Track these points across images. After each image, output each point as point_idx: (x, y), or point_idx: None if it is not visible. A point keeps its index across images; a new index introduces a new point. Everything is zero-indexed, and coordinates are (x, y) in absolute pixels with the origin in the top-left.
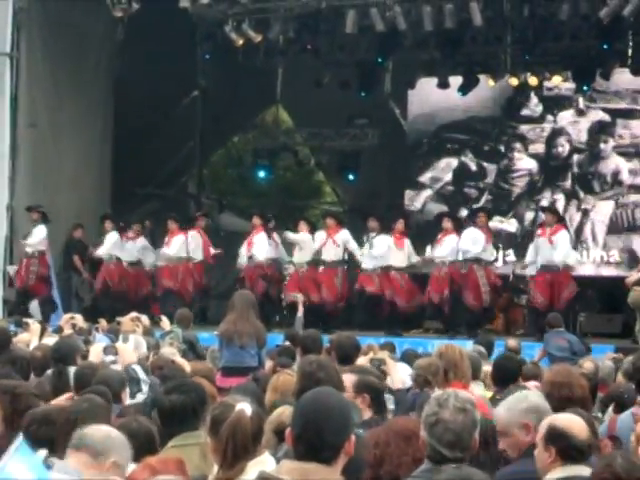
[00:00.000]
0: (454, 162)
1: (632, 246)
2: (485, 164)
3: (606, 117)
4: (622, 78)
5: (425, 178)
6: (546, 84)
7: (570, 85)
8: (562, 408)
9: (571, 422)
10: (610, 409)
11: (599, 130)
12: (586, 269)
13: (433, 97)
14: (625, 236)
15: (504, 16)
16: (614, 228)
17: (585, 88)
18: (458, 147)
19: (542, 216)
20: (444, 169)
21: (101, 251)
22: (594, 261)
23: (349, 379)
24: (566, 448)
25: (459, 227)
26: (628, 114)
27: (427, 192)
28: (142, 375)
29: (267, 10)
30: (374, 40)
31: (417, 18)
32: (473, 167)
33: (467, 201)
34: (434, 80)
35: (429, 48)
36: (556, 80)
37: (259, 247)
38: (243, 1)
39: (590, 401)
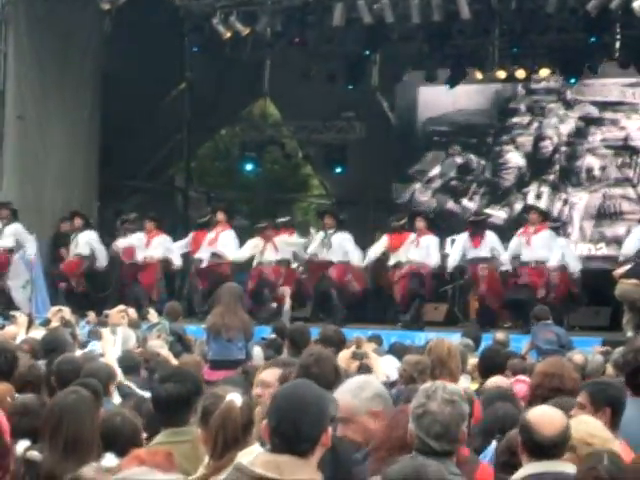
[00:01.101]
0: (442, 155)
1: (608, 233)
2: (482, 161)
3: (581, 123)
4: (595, 90)
5: (413, 171)
6: (533, 86)
7: (555, 85)
8: (552, 399)
9: (542, 417)
10: None
11: (576, 134)
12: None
13: (422, 91)
14: (606, 224)
15: (492, 9)
16: (595, 216)
17: (572, 81)
18: (446, 140)
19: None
20: (431, 162)
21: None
22: (580, 254)
23: (273, 373)
24: (528, 442)
25: (433, 227)
26: (600, 121)
27: (416, 185)
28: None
29: (254, 3)
30: (361, 33)
31: (405, 11)
32: (474, 164)
33: (456, 194)
34: (422, 73)
35: (417, 41)
36: (544, 73)
37: (227, 245)
38: None
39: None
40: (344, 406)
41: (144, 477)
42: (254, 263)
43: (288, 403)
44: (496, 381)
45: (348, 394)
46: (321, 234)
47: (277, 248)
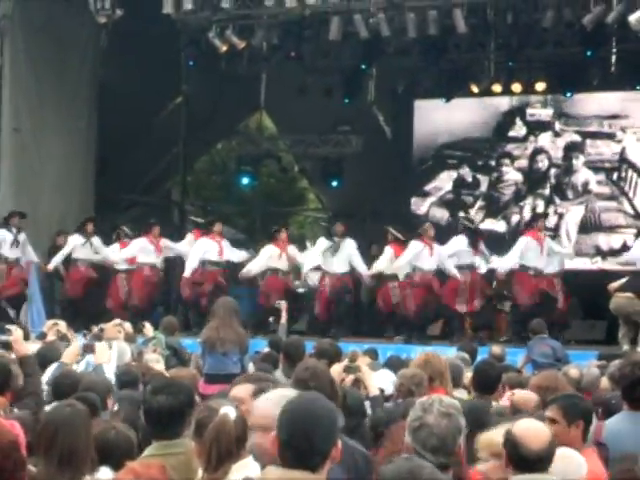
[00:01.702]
0: (454, 174)
1: (598, 243)
2: (479, 176)
3: (577, 138)
4: (590, 105)
5: (429, 187)
6: (529, 111)
7: (549, 111)
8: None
9: (527, 430)
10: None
11: (572, 148)
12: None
13: (435, 117)
14: (602, 238)
15: (488, 23)
16: (584, 228)
17: (569, 94)
18: (457, 162)
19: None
20: (444, 180)
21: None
22: (575, 268)
23: (246, 389)
24: (514, 456)
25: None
26: (595, 135)
27: (431, 199)
28: (111, 376)
29: (251, 17)
30: (358, 47)
31: (401, 25)
32: (469, 178)
33: (464, 206)
34: (436, 101)
35: (413, 55)
36: (539, 87)
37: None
38: (227, 8)
39: None
40: (265, 414)
41: None
42: (268, 272)
43: (300, 417)
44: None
45: (270, 403)
46: (325, 242)
47: (290, 259)
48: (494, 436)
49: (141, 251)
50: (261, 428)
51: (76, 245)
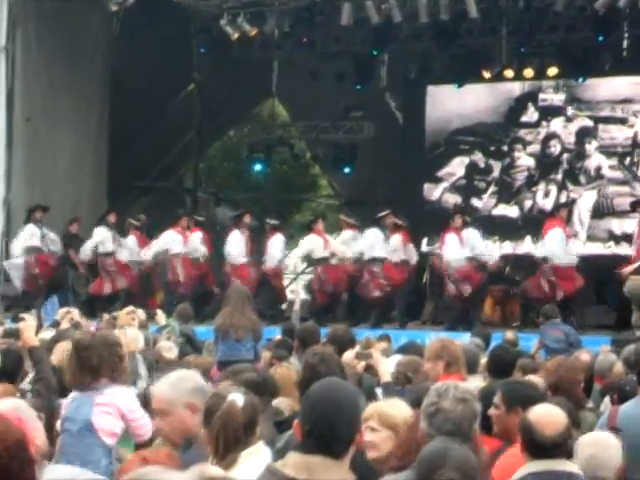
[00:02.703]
0: (466, 160)
1: (611, 228)
2: (491, 161)
3: (589, 123)
4: (602, 90)
5: (442, 173)
6: (541, 96)
7: (561, 96)
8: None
9: (543, 417)
10: (606, 400)
11: (584, 133)
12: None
13: (448, 103)
14: (615, 222)
15: (499, 8)
16: (597, 213)
17: (581, 79)
18: (469, 147)
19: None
20: (457, 166)
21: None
22: (590, 253)
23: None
24: (530, 442)
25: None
26: (607, 120)
27: (444, 184)
28: (141, 366)
29: (262, 3)
30: (369, 32)
31: (412, 10)
32: (481, 164)
33: (476, 192)
34: (448, 87)
35: (425, 40)
36: (551, 72)
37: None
38: None
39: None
40: (162, 397)
41: (158, 476)
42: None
43: (323, 404)
44: None
45: (167, 385)
46: (349, 232)
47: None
48: (384, 406)
49: (170, 243)
50: (159, 412)
51: (104, 239)
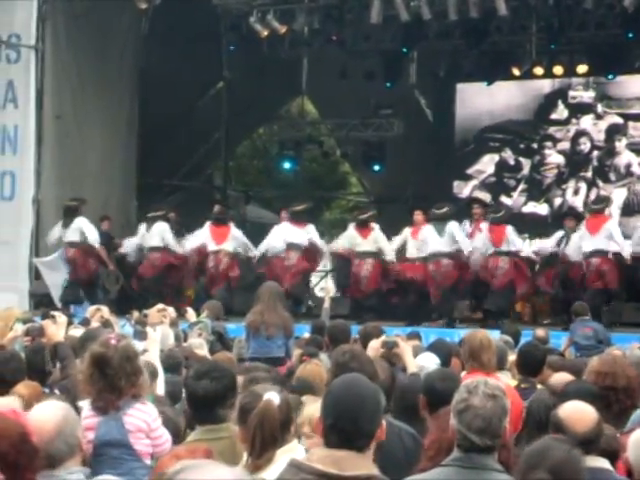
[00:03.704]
0: (496, 157)
1: None
2: (521, 159)
3: (619, 120)
4: (632, 87)
5: (472, 170)
6: (570, 93)
7: (591, 94)
8: (607, 397)
9: (574, 413)
10: None
11: (614, 131)
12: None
13: (477, 100)
14: (636, 217)
15: (529, 5)
16: (627, 211)
17: (610, 77)
18: (499, 145)
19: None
20: (487, 163)
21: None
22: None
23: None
24: None
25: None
26: (637, 117)
27: (474, 182)
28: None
29: (292, 1)
30: (399, 30)
31: (442, 8)
32: (511, 161)
33: (506, 189)
34: (478, 85)
35: (454, 38)
36: (581, 69)
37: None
38: None
39: (637, 391)
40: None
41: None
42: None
43: (346, 399)
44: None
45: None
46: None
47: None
48: (317, 412)
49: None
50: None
51: (144, 234)
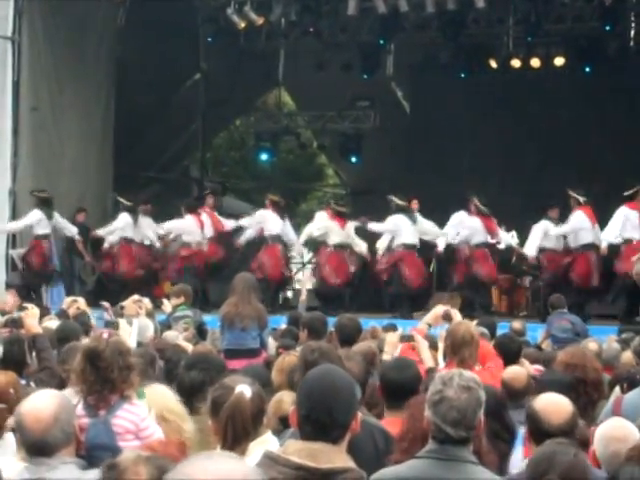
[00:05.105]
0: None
1: None
2: None
3: None
4: None
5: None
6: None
7: None
8: (575, 390)
9: (548, 405)
10: (617, 390)
11: None
12: None
13: (437, 80)
14: None
15: None
16: None
17: (587, 70)
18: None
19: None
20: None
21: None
22: None
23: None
24: (536, 431)
25: None
26: None
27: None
28: None
29: None
30: (376, 22)
31: (419, 0)
32: None
33: None
34: (436, 62)
35: (431, 30)
36: (558, 62)
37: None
38: None
39: (603, 384)
40: None
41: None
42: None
43: (320, 390)
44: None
45: None
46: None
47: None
48: (283, 398)
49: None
50: None
51: (127, 224)
